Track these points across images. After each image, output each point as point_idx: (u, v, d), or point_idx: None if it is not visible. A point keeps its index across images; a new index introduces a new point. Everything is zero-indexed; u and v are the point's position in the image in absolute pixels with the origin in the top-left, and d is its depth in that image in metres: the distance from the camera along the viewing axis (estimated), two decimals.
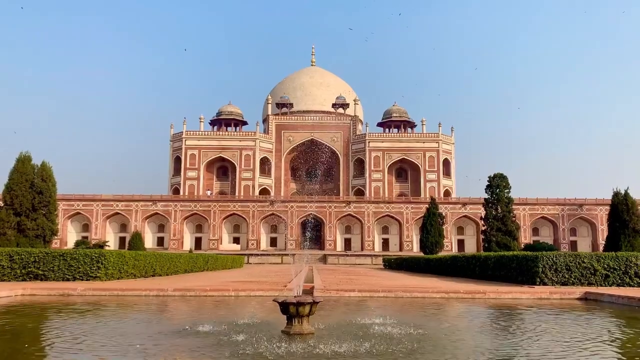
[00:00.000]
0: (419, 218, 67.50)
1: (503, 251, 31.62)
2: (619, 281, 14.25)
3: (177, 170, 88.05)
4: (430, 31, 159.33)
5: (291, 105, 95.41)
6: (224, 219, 77.00)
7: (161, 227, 77.96)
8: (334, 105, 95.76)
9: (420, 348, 5.97)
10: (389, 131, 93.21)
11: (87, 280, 15.62)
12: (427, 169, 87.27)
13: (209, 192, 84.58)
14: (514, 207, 51.02)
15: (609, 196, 43.04)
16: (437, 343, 6.55)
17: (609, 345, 6.42)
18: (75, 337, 6.60)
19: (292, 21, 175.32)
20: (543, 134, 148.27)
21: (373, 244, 76.32)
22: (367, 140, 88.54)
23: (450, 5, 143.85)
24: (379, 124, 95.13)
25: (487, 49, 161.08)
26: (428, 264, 28.06)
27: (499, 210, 48.73)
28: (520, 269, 15.60)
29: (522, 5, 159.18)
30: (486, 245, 48.04)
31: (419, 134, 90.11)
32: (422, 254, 48.93)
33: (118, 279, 16.76)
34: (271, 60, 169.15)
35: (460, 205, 76.20)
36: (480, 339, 6.84)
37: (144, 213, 75.61)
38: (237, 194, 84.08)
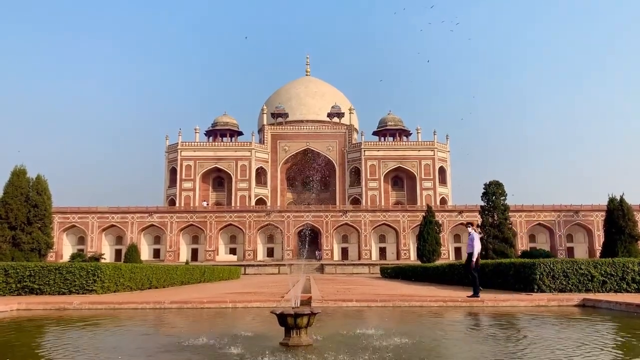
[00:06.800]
0: (416, 226, 67.55)
1: (500, 258, 31.62)
2: (617, 287, 14.25)
3: (172, 182, 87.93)
4: (425, 39, 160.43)
5: (286, 115, 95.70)
6: (220, 229, 76.84)
7: (157, 239, 77.73)
8: (329, 115, 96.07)
9: (419, 358, 5.94)
10: (385, 140, 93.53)
11: (83, 293, 15.51)
12: (423, 177, 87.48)
13: (205, 203, 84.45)
14: (510, 214, 51.21)
15: (604, 202, 43.23)
16: (437, 353, 6.53)
17: (609, 352, 6.40)
18: (70, 353, 6.54)
19: (287, 32, 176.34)
20: (538, 141, 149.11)
21: (370, 253, 76.25)
22: (363, 149, 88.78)
23: (444, 12, 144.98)
24: (374, 133, 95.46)
25: (482, 57, 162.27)
26: (425, 272, 27.99)
27: (495, 217, 48.89)
28: (518, 276, 15.59)
29: (515, 13, 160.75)
30: (483, 252, 47.99)
31: (415, 142, 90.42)
32: (419, 263, 48.92)
33: (114, 292, 16.65)
34: (266, 71, 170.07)
35: (456, 213, 76.36)
36: (480, 348, 6.82)
37: (139, 225, 75.39)
38: (233, 204, 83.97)
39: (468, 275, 14.84)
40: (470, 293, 13.90)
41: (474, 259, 14.51)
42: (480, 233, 15.73)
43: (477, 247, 14.65)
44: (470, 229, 15.01)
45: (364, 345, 6.59)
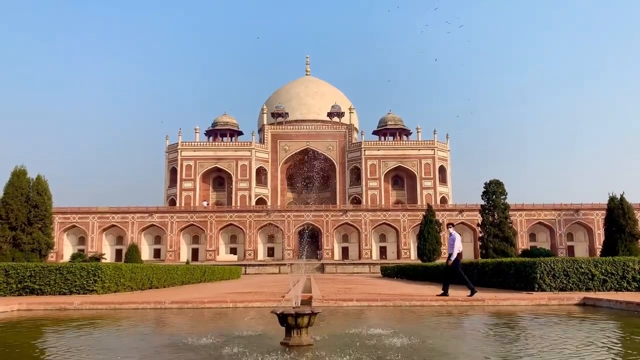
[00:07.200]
0: (416, 225, 67.55)
1: (500, 257, 31.61)
2: (617, 286, 14.24)
3: (173, 182, 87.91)
4: (425, 39, 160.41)
5: (286, 114, 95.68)
6: (221, 229, 76.82)
7: (158, 239, 77.72)
8: (329, 114, 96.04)
9: (423, 358, 5.94)
10: (385, 139, 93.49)
11: (83, 293, 15.50)
12: (423, 176, 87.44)
13: (205, 203, 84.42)
14: (510, 213, 51.16)
15: (605, 201, 43.27)
16: (439, 353, 6.52)
17: (610, 350, 6.40)
18: (70, 353, 6.54)
19: (287, 32, 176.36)
20: (538, 141, 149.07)
21: (370, 252, 76.23)
22: (363, 149, 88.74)
23: (445, 13, 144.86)
24: (375, 132, 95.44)
25: (483, 57, 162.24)
26: (426, 271, 27.98)
27: (496, 216, 48.88)
28: (518, 275, 15.58)
29: (516, 13, 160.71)
30: (483, 251, 48.12)
31: (415, 142, 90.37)
32: (420, 262, 48.91)
33: (115, 292, 16.64)
34: (266, 71, 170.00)
35: (457, 212, 76.32)
36: (481, 348, 6.82)
37: (140, 225, 75.38)
38: (233, 204, 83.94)
39: (455, 277, 14.99)
40: (468, 292, 13.95)
41: (453, 258, 14.72)
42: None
43: (458, 247, 14.78)
44: (451, 230, 15.19)
45: (366, 345, 6.59)
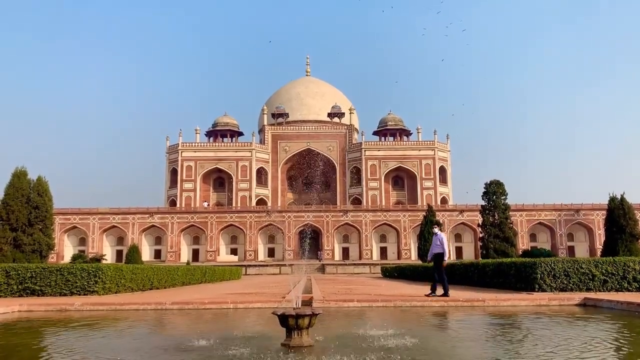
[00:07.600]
0: (417, 226, 67.54)
1: (501, 258, 31.58)
2: (618, 286, 14.24)
3: (173, 182, 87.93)
4: (425, 39, 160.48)
5: (287, 115, 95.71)
6: (221, 230, 76.83)
7: (158, 240, 77.73)
8: (329, 115, 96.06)
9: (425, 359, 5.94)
10: (385, 139, 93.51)
11: (84, 294, 15.50)
12: (423, 176, 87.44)
13: (205, 204, 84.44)
14: (510, 213, 51.11)
15: (605, 201, 43.24)
16: (439, 354, 6.52)
17: (611, 350, 6.40)
18: (72, 354, 6.55)
19: (287, 32, 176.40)
20: (538, 141, 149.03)
21: (371, 253, 76.21)
22: (363, 149, 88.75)
23: (446, 14, 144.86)
24: (375, 133, 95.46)
25: (483, 56, 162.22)
26: (426, 272, 27.93)
27: (496, 217, 48.83)
28: (519, 276, 15.58)
29: (516, 13, 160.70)
30: (484, 252, 48.07)
31: (415, 142, 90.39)
32: (420, 262, 48.87)
33: (116, 293, 16.64)
34: (266, 71, 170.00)
35: (457, 213, 76.28)
36: (481, 348, 6.82)
37: (140, 225, 75.39)
38: (234, 205, 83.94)
39: (435, 275, 15.33)
40: (428, 291, 14.42)
41: (446, 258, 15.28)
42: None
43: (447, 248, 15.25)
44: (436, 230, 15.44)
45: (366, 346, 6.59)
